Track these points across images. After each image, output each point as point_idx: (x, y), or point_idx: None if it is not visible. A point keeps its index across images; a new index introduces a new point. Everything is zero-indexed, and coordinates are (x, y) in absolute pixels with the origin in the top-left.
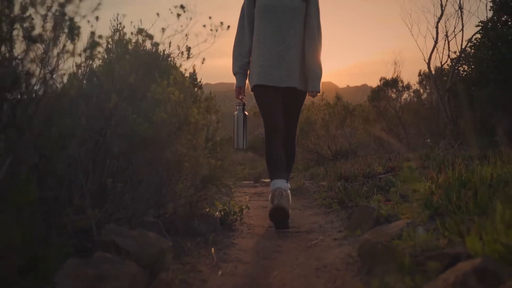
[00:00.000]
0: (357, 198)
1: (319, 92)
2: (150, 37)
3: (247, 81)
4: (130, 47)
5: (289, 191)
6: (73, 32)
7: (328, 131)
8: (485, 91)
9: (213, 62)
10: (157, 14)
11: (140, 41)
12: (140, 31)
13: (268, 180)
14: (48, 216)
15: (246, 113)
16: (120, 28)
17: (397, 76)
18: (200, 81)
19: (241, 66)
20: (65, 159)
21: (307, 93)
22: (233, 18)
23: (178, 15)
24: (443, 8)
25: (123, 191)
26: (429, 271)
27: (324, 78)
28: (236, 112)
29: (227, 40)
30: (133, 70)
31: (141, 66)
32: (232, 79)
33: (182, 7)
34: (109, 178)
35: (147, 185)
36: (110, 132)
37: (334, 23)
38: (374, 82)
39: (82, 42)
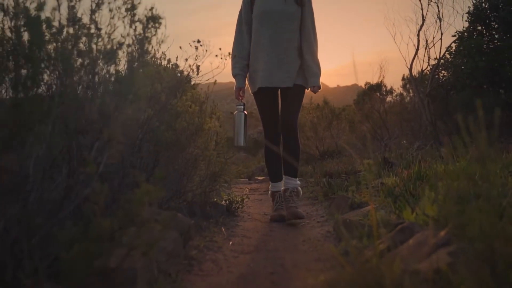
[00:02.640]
0: (338, 191)
1: (319, 88)
2: (177, 65)
3: (246, 82)
4: (159, 71)
5: (299, 192)
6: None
7: (316, 132)
8: (461, 96)
9: (207, 61)
10: (180, 47)
11: (169, 66)
12: (169, 61)
13: (261, 178)
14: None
15: (245, 112)
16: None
17: (381, 81)
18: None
19: (241, 68)
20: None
21: (309, 89)
22: (227, 17)
23: (196, 48)
24: (424, 18)
25: (153, 183)
26: (380, 235)
27: None
28: (236, 112)
29: (221, 40)
30: (164, 90)
31: (169, 87)
32: (225, 79)
33: (198, 41)
34: (143, 173)
35: (171, 178)
36: (141, 138)
37: (324, 23)
38: (365, 81)
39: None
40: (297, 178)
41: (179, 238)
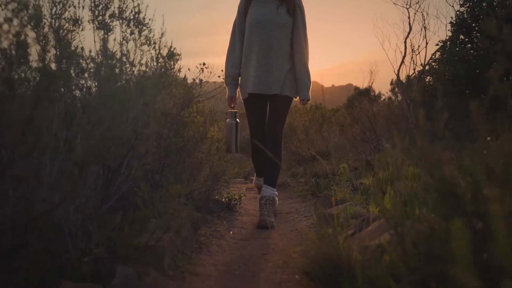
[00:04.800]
0: (325, 190)
1: (309, 100)
2: (188, 85)
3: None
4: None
5: (275, 201)
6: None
7: (308, 135)
8: (444, 102)
9: (201, 61)
10: (188, 69)
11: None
12: (182, 81)
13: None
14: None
15: (237, 120)
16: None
17: (369, 86)
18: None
19: (233, 78)
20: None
21: (299, 100)
22: (219, 16)
23: (202, 69)
24: (410, 26)
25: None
26: (350, 224)
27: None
28: (228, 120)
29: (215, 40)
30: (175, 106)
31: (180, 103)
32: (218, 78)
33: (204, 64)
34: (156, 174)
35: (179, 178)
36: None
37: (321, 23)
38: (359, 82)
39: None
40: (275, 188)
41: (191, 227)
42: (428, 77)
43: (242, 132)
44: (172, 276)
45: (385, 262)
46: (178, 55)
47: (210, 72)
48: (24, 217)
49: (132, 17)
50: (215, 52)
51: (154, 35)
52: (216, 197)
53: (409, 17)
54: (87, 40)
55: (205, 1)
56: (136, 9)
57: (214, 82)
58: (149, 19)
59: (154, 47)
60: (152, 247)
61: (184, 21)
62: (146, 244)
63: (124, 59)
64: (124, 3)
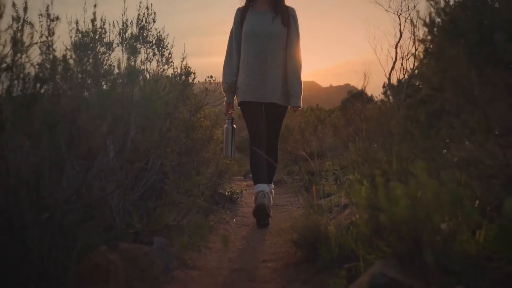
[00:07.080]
0: (316, 185)
1: (300, 108)
2: (196, 95)
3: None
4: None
5: (271, 193)
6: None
7: (303, 136)
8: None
9: (201, 60)
10: (198, 81)
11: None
12: (191, 93)
13: None
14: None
15: (234, 126)
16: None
17: (362, 89)
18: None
19: (230, 85)
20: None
21: (289, 107)
22: (214, 17)
23: (210, 81)
24: (401, 32)
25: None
26: (333, 211)
27: (307, 78)
28: (226, 125)
29: (214, 40)
30: (187, 112)
31: (190, 110)
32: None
33: (211, 77)
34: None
35: (190, 175)
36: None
37: (318, 23)
38: (356, 83)
39: None
40: (272, 184)
41: (201, 214)
42: (418, 81)
43: (240, 133)
44: (191, 248)
45: (352, 233)
46: (194, 73)
47: (217, 84)
48: (87, 199)
49: (154, 41)
50: (213, 52)
51: (171, 55)
52: (220, 191)
53: (400, 24)
54: (115, 59)
55: (203, 1)
56: (158, 35)
57: (220, 92)
58: (168, 43)
59: (173, 66)
60: (176, 225)
61: (184, 22)
62: (172, 223)
63: (149, 76)
64: (148, 30)
